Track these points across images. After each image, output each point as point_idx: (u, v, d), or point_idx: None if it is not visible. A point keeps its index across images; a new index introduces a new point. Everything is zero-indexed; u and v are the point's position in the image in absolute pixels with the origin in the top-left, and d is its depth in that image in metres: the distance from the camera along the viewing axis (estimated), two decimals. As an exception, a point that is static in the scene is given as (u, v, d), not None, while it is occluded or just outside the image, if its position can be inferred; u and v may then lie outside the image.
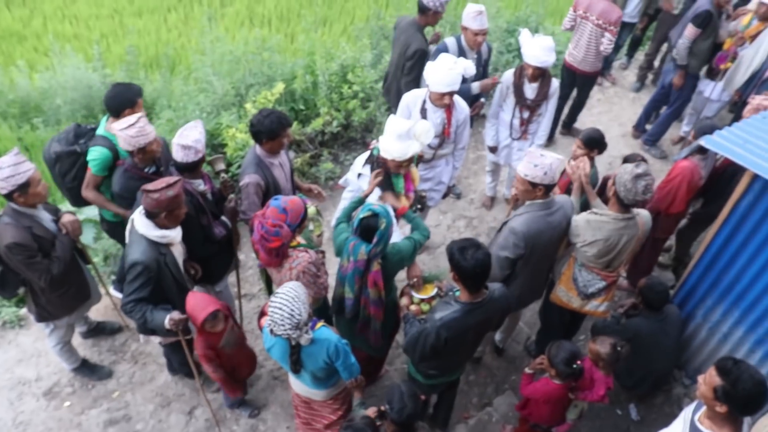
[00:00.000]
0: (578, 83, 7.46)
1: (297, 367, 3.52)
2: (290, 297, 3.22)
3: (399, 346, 5.01)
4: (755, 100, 5.31)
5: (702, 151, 5.16)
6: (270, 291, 4.51)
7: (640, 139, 8.07)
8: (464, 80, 5.18)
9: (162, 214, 3.74)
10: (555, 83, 5.66)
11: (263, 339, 3.67)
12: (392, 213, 3.95)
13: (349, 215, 4.18)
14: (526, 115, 5.78)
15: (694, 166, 5.18)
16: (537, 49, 5.34)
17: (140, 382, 5.12)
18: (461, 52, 5.70)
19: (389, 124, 4.30)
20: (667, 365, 4.88)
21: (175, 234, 3.93)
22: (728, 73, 6.86)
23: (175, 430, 4.85)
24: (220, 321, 3.92)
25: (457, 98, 5.15)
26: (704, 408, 3.20)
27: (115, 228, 4.92)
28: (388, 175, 4.51)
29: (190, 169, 4.23)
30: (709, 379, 3.09)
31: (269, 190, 4.47)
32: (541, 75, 5.56)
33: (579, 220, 4.31)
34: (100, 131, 4.60)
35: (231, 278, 5.58)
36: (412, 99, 5.16)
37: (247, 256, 5.99)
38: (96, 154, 4.46)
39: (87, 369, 5.08)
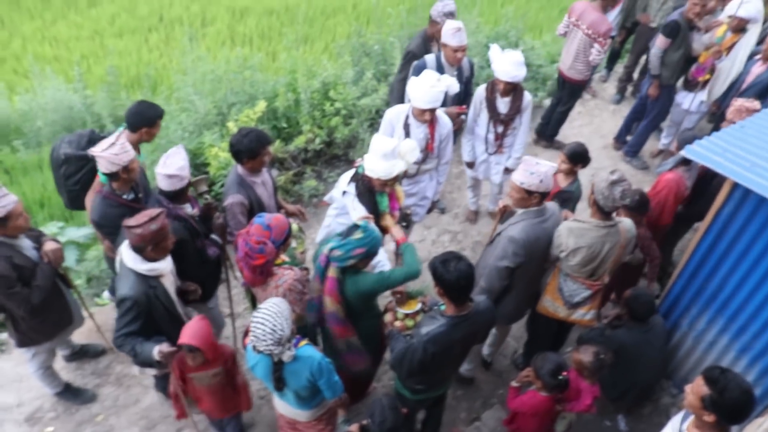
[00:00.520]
0: (565, 90, 7.59)
1: (280, 384, 3.50)
2: (273, 312, 3.22)
3: (386, 362, 4.99)
4: (737, 102, 5.42)
5: (686, 162, 5.22)
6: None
7: (621, 150, 8.15)
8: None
9: (148, 248, 3.66)
10: (527, 96, 5.67)
11: (246, 357, 3.65)
12: (379, 236, 3.92)
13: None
14: (500, 129, 5.79)
15: (680, 177, 5.24)
16: (507, 65, 5.34)
17: (125, 405, 5.05)
18: (440, 68, 5.73)
19: (374, 143, 4.32)
20: (652, 377, 4.90)
21: (165, 265, 3.85)
22: (708, 85, 6.98)
23: (160, 453, 4.79)
24: (197, 357, 3.72)
25: (440, 113, 5.19)
26: (692, 417, 3.22)
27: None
28: (372, 193, 4.51)
29: (178, 196, 4.21)
30: (696, 389, 3.10)
31: (253, 208, 4.46)
32: (513, 89, 5.57)
33: (561, 228, 4.34)
34: None
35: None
36: (395, 114, 5.19)
37: (235, 273, 5.95)
38: None
39: (70, 393, 5.00)
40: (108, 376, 5.25)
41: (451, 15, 6.11)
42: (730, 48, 6.71)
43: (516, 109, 5.64)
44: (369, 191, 4.51)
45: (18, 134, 7.30)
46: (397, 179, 4.51)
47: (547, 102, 8.99)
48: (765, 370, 4.43)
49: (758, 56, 6.62)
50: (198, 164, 6.50)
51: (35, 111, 7.28)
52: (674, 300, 4.98)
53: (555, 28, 10.72)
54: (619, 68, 9.65)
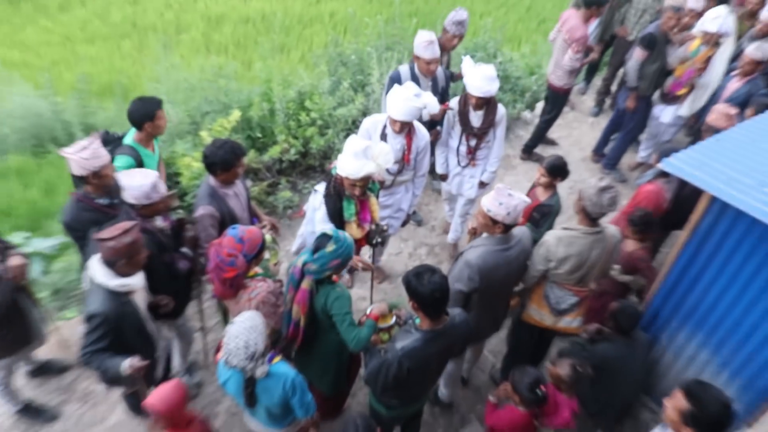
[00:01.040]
0: (548, 97, 7.71)
1: (252, 401, 3.44)
2: (246, 326, 3.18)
3: (361, 378, 4.94)
4: (719, 106, 5.54)
5: (665, 174, 5.27)
6: (227, 324, 4.43)
7: (600, 163, 8.23)
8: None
9: (120, 262, 3.59)
10: (501, 110, 5.61)
11: (218, 373, 3.58)
12: (351, 242, 3.88)
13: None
14: (473, 142, 5.73)
15: (659, 189, 5.31)
16: (478, 79, 5.25)
17: (90, 424, 4.93)
18: (415, 79, 5.76)
19: (348, 143, 4.32)
20: (633, 391, 4.89)
21: (137, 281, 3.77)
22: (687, 101, 7.09)
23: (127, 473, 4.68)
24: (160, 422, 3.47)
25: (418, 125, 5.19)
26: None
27: None
28: (340, 197, 4.49)
29: (146, 209, 4.12)
30: (675, 403, 3.11)
31: (225, 221, 4.40)
32: (486, 103, 5.48)
33: (549, 238, 4.34)
34: (127, 140, 4.81)
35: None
36: (372, 124, 5.18)
37: (204, 287, 5.88)
38: (122, 163, 4.61)
39: (31, 411, 4.87)
40: (72, 393, 5.13)
41: (461, 25, 6.16)
42: (706, 61, 6.80)
43: (489, 123, 5.59)
44: (337, 194, 4.50)
45: (-17, 142, 7.17)
46: (367, 184, 4.47)
47: (526, 114, 9.06)
48: (745, 385, 4.46)
49: (735, 72, 6.72)
50: (170, 174, 6.42)
51: (2, 118, 7.16)
52: (653, 313, 4.99)
53: (533, 40, 10.89)
54: (598, 81, 9.76)
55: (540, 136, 8.17)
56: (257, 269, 3.92)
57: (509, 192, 4.00)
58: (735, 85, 6.66)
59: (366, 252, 5.56)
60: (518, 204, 3.97)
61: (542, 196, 5.14)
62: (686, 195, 5.37)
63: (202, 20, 10.87)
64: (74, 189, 4.35)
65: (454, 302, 4.22)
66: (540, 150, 8.30)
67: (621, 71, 8.68)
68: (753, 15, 7.50)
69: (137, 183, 3.88)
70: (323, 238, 3.69)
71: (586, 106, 9.60)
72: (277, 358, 3.48)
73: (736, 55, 7.12)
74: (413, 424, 4.46)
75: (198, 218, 4.35)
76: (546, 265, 4.38)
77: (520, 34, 11.13)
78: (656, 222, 5.08)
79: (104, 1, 11.42)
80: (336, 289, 3.80)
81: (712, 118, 5.66)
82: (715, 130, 5.40)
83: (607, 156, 8.12)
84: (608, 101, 9.46)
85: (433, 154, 6.00)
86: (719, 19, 6.56)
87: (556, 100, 7.70)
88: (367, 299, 5.54)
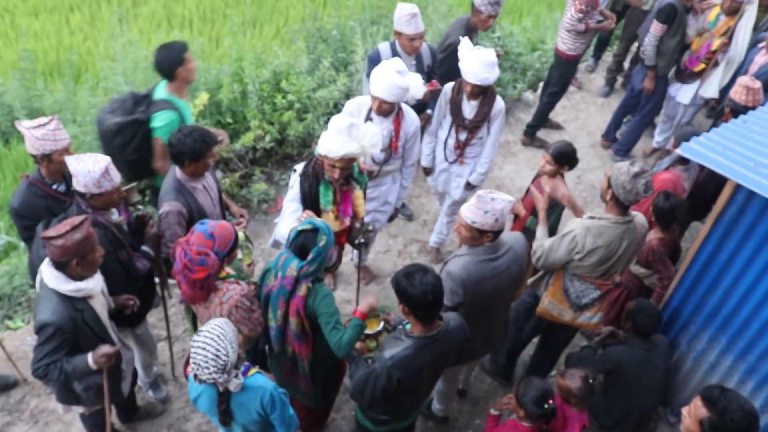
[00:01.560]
0: (552, 66, 7.80)
1: (227, 418, 3.45)
2: (215, 335, 3.19)
3: (346, 390, 4.97)
4: (741, 78, 5.61)
5: (684, 161, 5.30)
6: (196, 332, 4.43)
7: (611, 149, 8.27)
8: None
9: (72, 262, 3.56)
10: (499, 103, 5.54)
11: (188, 388, 3.60)
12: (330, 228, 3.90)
13: None
14: (462, 136, 5.66)
15: (677, 177, 5.32)
16: (475, 65, 5.16)
17: (41, 446, 4.94)
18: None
19: (333, 119, 4.32)
20: (652, 401, 4.91)
21: (94, 284, 3.75)
22: (710, 81, 7.12)
23: (84, 500, 4.68)
24: None
25: (407, 108, 5.21)
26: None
27: None
28: (317, 179, 4.52)
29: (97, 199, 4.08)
30: (694, 411, 3.13)
31: (193, 218, 4.39)
32: (482, 93, 5.40)
33: (576, 228, 4.37)
34: (160, 95, 5.00)
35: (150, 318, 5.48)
36: (355, 107, 5.20)
37: (170, 291, 5.87)
38: (165, 120, 4.87)
39: (-26, 434, 4.87)
40: (21, 413, 5.12)
41: (497, 4, 6.19)
42: (724, 33, 6.84)
43: (483, 116, 5.50)
44: (315, 176, 4.52)
45: None
46: (349, 167, 4.46)
47: (528, 95, 9.09)
48: (775, 394, 4.50)
49: (762, 44, 6.76)
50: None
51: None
52: (671, 316, 5.04)
53: (536, 12, 10.92)
54: (608, 57, 9.80)
55: (543, 116, 8.20)
56: (229, 270, 3.93)
57: (491, 196, 3.91)
58: (762, 59, 6.70)
59: (349, 252, 5.57)
60: (504, 207, 3.91)
61: (548, 186, 5.16)
62: (707, 183, 5.43)
63: (163, -10, 10.81)
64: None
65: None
66: (543, 135, 8.34)
67: (634, 46, 8.74)
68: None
69: (85, 169, 3.82)
70: (310, 234, 3.70)
71: (595, 85, 9.65)
72: (253, 370, 3.49)
73: (762, 26, 7.17)
74: (404, 441, 4.48)
75: (163, 215, 4.35)
76: (569, 255, 4.41)
77: (521, 6, 11.15)
78: (684, 209, 5.08)
79: (50, -33, 11.33)
80: (323, 287, 3.84)
81: (733, 91, 5.71)
82: (737, 107, 5.46)
83: (618, 141, 8.16)
84: (620, 80, 9.51)
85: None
86: None
87: (560, 69, 7.71)
88: (352, 302, 5.57)
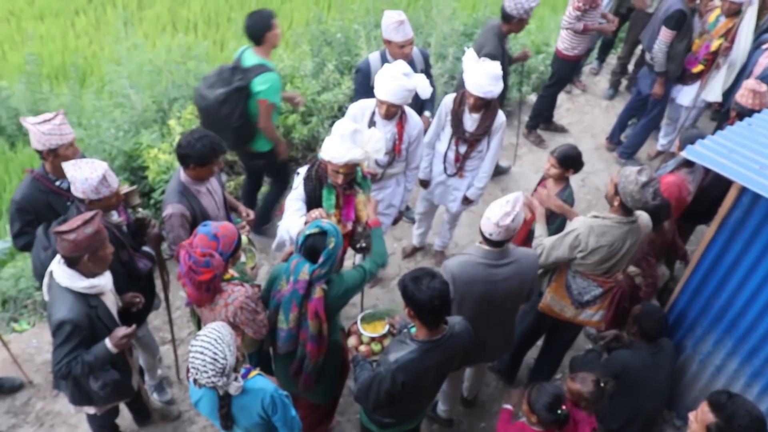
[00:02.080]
0: (551, 63, 7.83)
1: (228, 422, 3.47)
2: (212, 339, 3.20)
3: (351, 393, 4.98)
4: (747, 82, 5.59)
5: (689, 164, 5.29)
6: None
7: (615, 152, 8.27)
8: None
9: (84, 258, 3.59)
10: (501, 117, 5.46)
11: (189, 392, 3.61)
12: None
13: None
14: (463, 149, 5.58)
15: (681, 180, 5.32)
16: (480, 77, 5.09)
17: (47, 449, 4.96)
18: None
19: (337, 124, 4.33)
20: (658, 404, 4.91)
21: (105, 281, 3.81)
22: (711, 82, 7.11)
23: (89, 503, 4.70)
24: None
25: (410, 111, 5.21)
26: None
27: (269, 157, 5.89)
28: (321, 182, 4.53)
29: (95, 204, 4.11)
30: (701, 416, 3.13)
31: (196, 221, 4.39)
32: (485, 106, 5.33)
33: (579, 226, 4.38)
34: (252, 61, 5.46)
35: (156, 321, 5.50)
36: (359, 110, 5.21)
37: (174, 294, 5.89)
38: (267, 81, 5.33)
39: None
40: (26, 415, 5.14)
41: (531, 10, 6.22)
42: (723, 35, 6.83)
43: (484, 130, 5.43)
44: (318, 179, 4.53)
45: None
46: (353, 173, 4.48)
47: (532, 98, 9.10)
48: (781, 398, 4.50)
49: (765, 46, 6.75)
50: (134, 168, 6.43)
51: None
52: (677, 319, 5.04)
53: (540, 15, 10.92)
54: (612, 60, 9.80)
55: (539, 112, 8.25)
56: (233, 272, 3.94)
57: (506, 199, 3.93)
58: (766, 60, 6.70)
59: (351, 256, 5.58)
60: (518, 198, 3.93)
61: (553, 189, 5.16)
62: (712, 186, 5.42)
63: (167, -7, 10.85)
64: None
65: None
66: (548, 138, 8.34)
67: (638, 48, 8.73)
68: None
69: (83, 176, 3.84)
70: (318, 237, 3.71)
71: (600, 88, 9.65)
72: (254, 372, 3.49)
73: (762, 25, 7.16)
74: (408, 445, 4.49)
75: (166, 217, 4.36)
76: (572, 253, 4.43)
77: (526, 8, 11.15)
78: (668, 210, 5.08)
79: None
80: (341, 275, 3.93)
81: (739, 95, 5.70)
82: (744, 111, 5.45)
83: (623, 144, 8.15)
84: (624, 82, 9.51)
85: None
86: None
87: (557, 67, 7.78)
88: (356, 305, 5.57)
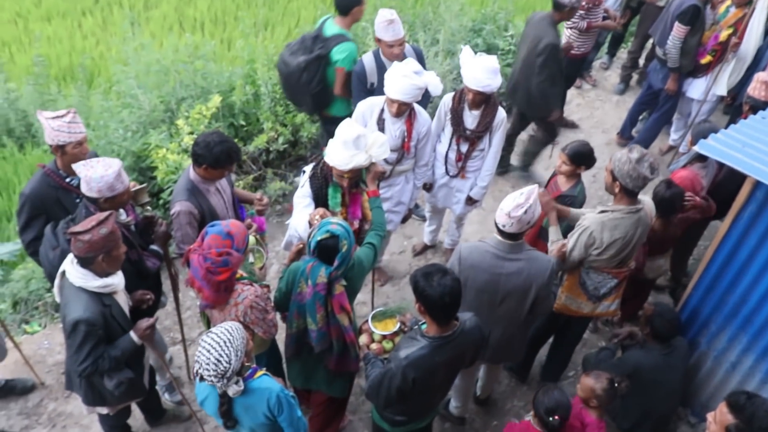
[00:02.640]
0: None
1: (229, 422, 3.47)
2: (222, 340, 3.21)
3: (362, 391, 4.99)
4: (760, 74, 5.56)
5: (702, 158, 5.27)
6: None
7: (627, 147, 8.20)
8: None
9: (99, 258, 3.63)
10: (501, 113, 5.46)
11: (196, 391, 3.63)
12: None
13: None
14: (464, 148, 5.58)
15: (694, 175, 5.29)
16: (478, 71, 5.09)
17: (59, 450, 4.99)
18: (381, 67, 5.65)
19: (341, 127, 4.33)
20: (671, 404, 4.91)
21: (118, 280, 3.85)
22: (723, 77, 7.07)
23: (102, 504, 4.72)
24: None
25: (419, 108, 5.22)
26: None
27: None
28: (326, 182, 4.55)
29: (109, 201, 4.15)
30: (719, 417, 3.11)
31: (204, 219, 4.41)
32: (484, 101, 5.33)
33: (590, 224, 4.38)
34: (332, 31, 5.86)
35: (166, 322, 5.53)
36: (368, 107, 5.22)
37: (184, 294, 5.91)
38: (345, 50, 5.76)
39: (-9, 438, 4.94)
40: (38, 416, 5.18)
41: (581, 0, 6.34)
42: (733, 25, 6.78)
43: (485, 126, 5.43)
44: (324, 178, 4.55)
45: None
46: (358, 176, 4.50)
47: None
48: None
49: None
50: (143, 168, 6.45)
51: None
52: (690, 315, 5.02)
53: (548, 10, 10.86)
54: (623, 54, 9.77)
55: None
56: (242, 272, 3.95)
57: (520, 192, 3.93)
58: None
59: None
60: (532, 191, 3.93)
61: (564, 185, 5.14)
62: (726, 181, 5.40)
63: (174, -7, 10.86)
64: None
65: None
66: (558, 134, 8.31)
67: (649, 42, 8.70)
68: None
69: (98, 174, 3.86)
70: (330, 240, 3.73)
71: (610, 82, 9.62)
72: (260, 372, 3.50)
73: None
74: (421, 443, 4.49)
75: (174, 215, 4.39)
76: (587, 252, 4.44)
77: (534, 4, 11.12)
78: (682, 201, 5.06)
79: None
80: (357, 258, 4.04)
81: (751, 88, 5.66)
82: (757, 104, 5.42)
83: (635, 139, 8.12)
84: (635, 77, 9.48)
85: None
86: None
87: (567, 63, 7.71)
88: (367, 303, 5.58)
